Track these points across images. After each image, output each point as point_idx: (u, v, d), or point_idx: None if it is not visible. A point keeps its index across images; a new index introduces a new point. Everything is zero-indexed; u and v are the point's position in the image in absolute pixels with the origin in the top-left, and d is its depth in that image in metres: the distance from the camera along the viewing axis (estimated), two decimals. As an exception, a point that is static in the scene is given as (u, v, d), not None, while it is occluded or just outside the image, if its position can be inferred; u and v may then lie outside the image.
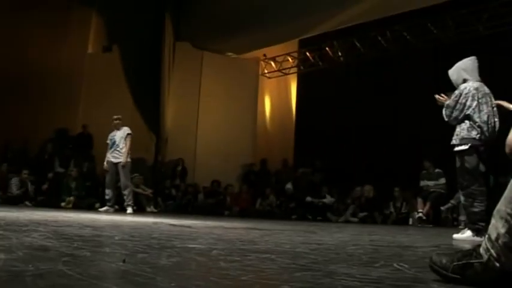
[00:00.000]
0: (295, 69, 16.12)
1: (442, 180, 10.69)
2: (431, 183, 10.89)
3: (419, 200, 10.92)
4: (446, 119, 5.52)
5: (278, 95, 16.81)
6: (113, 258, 2.23)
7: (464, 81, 5.47)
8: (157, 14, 14.84)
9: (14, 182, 11.89)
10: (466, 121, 5.34)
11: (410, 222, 11.18)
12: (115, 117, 10.40)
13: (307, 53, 15.34)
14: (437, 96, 5.70)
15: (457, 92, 5.44)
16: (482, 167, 5.39)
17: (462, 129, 5.36)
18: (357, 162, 13.62)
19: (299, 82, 16.47)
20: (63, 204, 11.67)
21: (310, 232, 5.84)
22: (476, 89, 5.34)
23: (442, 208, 10.77)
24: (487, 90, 5.42)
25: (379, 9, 12.21)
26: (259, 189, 13.95)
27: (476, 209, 5.19)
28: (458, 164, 5.37)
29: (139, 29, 14.55)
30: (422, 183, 11.07)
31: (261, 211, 13.09)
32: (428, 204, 10.72)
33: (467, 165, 5.25)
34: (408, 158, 12.51)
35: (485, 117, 5.27)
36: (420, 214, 10.69)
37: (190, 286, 1.64)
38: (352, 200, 12.47)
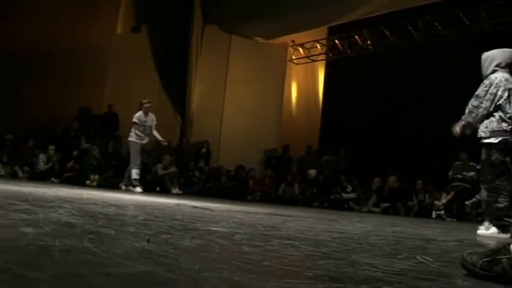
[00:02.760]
0: (323, 57, 16.01)
1: (471, 173, 10.52)
2: (458, 175, 10.74)
3: (443, 194, 10.81)
4: (471, 111, 5.20)
5: (305, 82, 16.74)
6: (137, 237, 2.25)
7: (494, 71, 5.24)
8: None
9: (41, 157, 12.07)
10: (495, 113, 5.09)
11: (434, 216, 11.08)
12: (146, 101, 10.53)
13: (336, 41, 15.22)
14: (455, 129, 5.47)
15: (486, 81, 5.20)
16: (510, 164, 5.14)
17: (491, 121, 5.11)
18: (381, 153, 13.51)
19: (327, 69, 16.35)
20: (88, 182, 11.80)
21: (332, 220, 5.83)
22: (507, 79, 5.13)
23: (466, 203, 10.64)
24: (511, 77, 5.20)
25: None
26: (282, 175, 13.95)
27: (501, 205, 4.99)
28: (484, 156, 5.17)
29: (168, 10, 14.55)
30: (451, 174, 10.88)
31: (283, 197, 13.10)
32: (451, 194, 10.60)
33: (494, 159, 5.05)
34: (433, 150, 12.38)
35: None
36: (440, 212, 10.60)
37: (213, 269, 1.65)
38: (374, 190, 12.40)
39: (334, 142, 14.64)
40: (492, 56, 5.29)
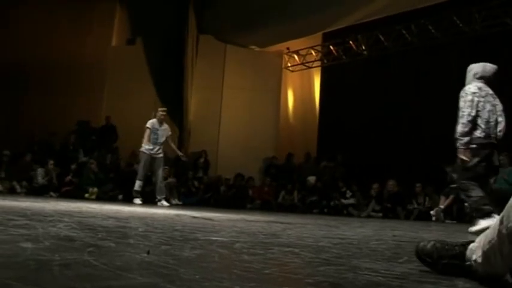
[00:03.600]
0: (318, 63, 16.05)
1: None
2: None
3: (442, 198, 10.81)
4: (465, 126, 5.43)
5: (301, 89, 16.77)
6: (137, 249, 2.25)
7: (471, 82, 5.64)
8: (181, 7, 14.86)
9: (40, 172, 12.07)
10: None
11: (434, 219, 11.08)
12: (162, 109, 10.34)
13: (331, 47, 15.26)
14: None
15: (462, 93, 5.56)
16: (481, 168, 5.45)
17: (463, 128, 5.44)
18: (379, 157, 13.51)
19: (322, 76, 16.38)
20: (86, 195, 11.79)
21: (332, 226, 5.82)
22: (480, 88, 5.51)
23: (466, 204, 10.62)
24: (490, 91, 5.58)
25: (404, 2, 12.11)
26: (282, 183, 13.94)
27: (474, 198, 5.32)
28: (459, 160, 5.49)
29: (163, 22, 14.60)
30: (450, 177, 10.86)
31: (282, 204, 13.09)
32: (450, 198, 10.62)
33: (467, 163, 5.39)
34: (431, 153, 12.39)
35: (486, 116, 5.43)
36: (433, 212, 10.66)
37: (214, 278, 1.64)
38: (373, 195, 12.39)
39: (332, 148, 14.65)
40: (474, 70, 5.74)
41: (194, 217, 5.87)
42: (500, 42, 11.49)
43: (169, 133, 10.27)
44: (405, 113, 13.58)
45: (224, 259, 2.24)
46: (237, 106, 15.29)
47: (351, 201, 12.63)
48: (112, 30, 15.34)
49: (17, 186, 11.81)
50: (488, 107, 5.49)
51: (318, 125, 16.10)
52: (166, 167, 12.46)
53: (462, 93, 5.56)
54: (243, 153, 14.60)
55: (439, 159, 11.51)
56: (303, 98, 16.68)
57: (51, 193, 11.68)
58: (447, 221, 10.29)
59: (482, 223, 5.14)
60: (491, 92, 5.60)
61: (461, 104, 5.51)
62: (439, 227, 7.59)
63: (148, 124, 10.07)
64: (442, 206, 10.69)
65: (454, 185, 10.70)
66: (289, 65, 16.37)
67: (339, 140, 14.68)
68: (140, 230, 3.50)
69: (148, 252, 2.09)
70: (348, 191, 12.82)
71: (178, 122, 14.52)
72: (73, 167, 12.68)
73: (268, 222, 5.85)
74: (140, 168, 10.10)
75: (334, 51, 15.23)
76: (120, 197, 12.10)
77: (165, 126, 10.25)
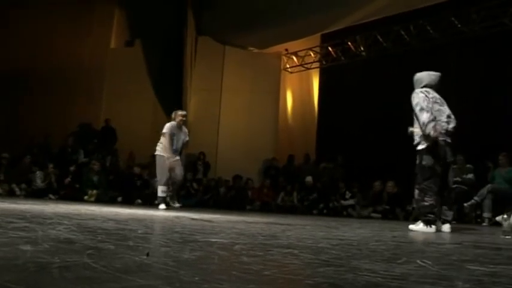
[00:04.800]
0: (317, 64, 16.05)
1: (470, 176, 10.52)
2: (457, 178, 10.70)
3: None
4: (428, 127, 5.72)
5: (300, 90, 16.76)
6: (137, 251, 2.25)
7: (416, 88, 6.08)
8: (180, 8, 14.88)
9: (39, 174, 12.07)
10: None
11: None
12: (183, 113, 9.53)
13: (329, 48, 15.26)
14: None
15: (412, 98, 5.98)
16: (438, 168, 5.77)
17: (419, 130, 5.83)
18: (378, 158, 13.51)
19: (321, 77, 16.36)
20: (86, 197, 11.79)
21: (332, 227, 5.82)
22: (427, 92, 5.95)
23: (465, 205, 10.62)
24: (437, 95, 6.02)
25: (402, 3, 12.12)
26: (281, 184, 13.94)
27: (426, 203, 5.70)
28: (418, 161, 5.83)
29: (162, 23, 14.62)
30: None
31: (282, 206, 13.09)
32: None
33: (425, 163, 5.73)
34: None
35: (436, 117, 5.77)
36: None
37: (213, 280, 1.65)
38: (372, 195, 12.38)
39: (332, 149, 14.63)
40: (420, 78, 6.20)
41: (193, 219, 5.87)
42: (499, 43, 11.51)
43: (187, 139, 9.47)
44: (404, 114, 13.56)
45: (224, 261, 2.24)
46: (236, 108, 15.30)
47: (351, 202, 12.63)
48: (111, 32, 15.34)
49: (16, 189, 11.81)
50: (436, 107, 5.88)
51: (317, 126, 16.08)
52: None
53: (413, 97, 5.95)
54: (242, 155, 14.60)
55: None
56: (302, 99, 16.67)
57: (50, 195, 11.67)
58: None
59: (422, 228, 5.67)
60: (438, 96, 6.01)
61: (416, 107, 5.89)
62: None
63: (167, 129, 9.20)
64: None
65: (454, 186, 10.73)
66: (287, 66, 16.37)
67: (338, 141, 14.66)
68: (139, 232, 3.51)
69: (147, 254, 2.09)
70: (347, 192, 12.82)
71: (178, 124, 14.52)
72: (72, 168, 12.67)
73: (267, 223, 5.85)
74: (161, 174, 9.26)
75: (332, 52, 15.24)
76: (119, 199, 12.12)
77: (185, 130, 9.46)
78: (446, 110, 5.96)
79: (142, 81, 14.40)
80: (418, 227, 5.76)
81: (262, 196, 13.58)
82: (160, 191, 9.26)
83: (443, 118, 5.86)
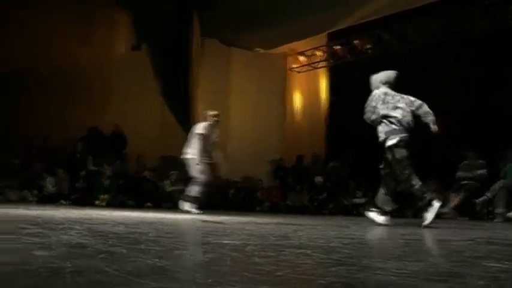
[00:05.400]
0: (324, 63, 16.03)
1: (481, 171, 10.45)
2: (468, 174, 10.64)
3: (452, 195, 10.72)
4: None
5: (307, 90, 16.74)
6: (149, 255, 2.25)
7: (377, 88, 6.47)
8: (185, 11, 14.88)
9: (49, 180, 12.11)
10: (384, 119, 6.22)
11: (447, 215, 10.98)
12: (216, 112, 9.13)
13: (336, 47, 15.24)
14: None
15: (370, 96, 6.49)
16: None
17: (383, 127, 6.22)
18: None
19: (328, 76, 16.33)
20: (97, 202, 11.82)
21: (343, 227, 5.81)
22: (385, 93, 6.31)
23: (476, 201, 10.56)
24: (397, 94, 6.37)
25: (403, 1, 12.11)
26: (291, 185, 13.91)
27: (416, 186, 5.88)
28: (390, 157, 6.10)
29: (167, 27, 14.60)
30: (460, 174, 10.79)
31: (291, 206, 13.08)
32: (460, 196, 10.53)
33: (398, 156, 5.98)
34: (439, 150, 12.36)
35: (398, 114, 6.15)
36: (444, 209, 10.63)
37: (226, 282, 1.64)
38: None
39: (341, 148, 14.59)
40: (378, 77, 6.55)
41: (204, 221, 5.87)
42: (501, 41, 11.43)
43: (217, 139, 9.08)
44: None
45: (236, 262, 2.24)
46: (243, 109, 15.29)
47: (362, 200, 12.59)
48: (117, 36, 15.32)
49: (29, 195, 11.85)
50: (400, 105, 6.22)
51: (326, 125, 16.03)
52: (175, 172, 12.45)
53: (370, 97, 6.41)
54: (250, 156, 14.59)
55: (447, 157, 11.50)
56: (310, 98, 16.64)
57: (62, 201, 11.72)
58: (458, 218, 10.20)
59: (434, 210, 5.77)
60: (397, 94, 6.34)
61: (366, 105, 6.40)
62: (449, 225, 7.53)
63: (201, 129, 8.78)
64: (452, 204, 10.57)
65: (465, 182, 10.67)
66: (294, 66, 16.36)
67: (346, 140, 14.62)
68: (151, 235, 3.51)
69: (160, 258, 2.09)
70: (358, 192, 12.79)
71: (186, 127, 14.47)
72: (83, 173, 12.69)
73: (278, 224, 5.85)
74: (197, 173, 8.58)
75: (339, 51, 15.21)
76: (130, 202, 12.14)
77: (218, 131, 9.14)
78: (405, 108, 6.28)
79: (149, 85, 14.38)
80: (431, 213, 5.77)
81: (271, 197, 13.57)
82: (194, 191, 8.55)
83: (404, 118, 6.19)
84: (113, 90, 14.63)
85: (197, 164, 8.57)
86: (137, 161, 13.90)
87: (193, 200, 8.52)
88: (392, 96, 6.26)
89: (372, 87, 6.50)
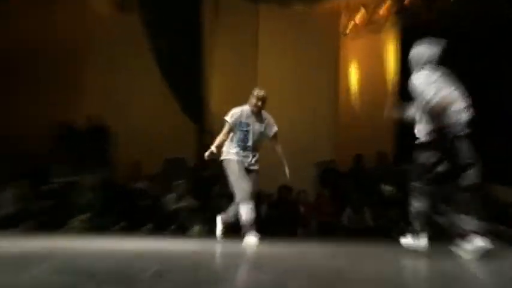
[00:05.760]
0: (391, 24, 15.92)
1: None
2: None
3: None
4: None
5: (368, 61, 16.60)
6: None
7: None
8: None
9: (6, 196, 12.17)
10: None
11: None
12: (261, 94, 8.79)
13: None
14: None
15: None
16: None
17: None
18: (489, 154, 13.37)
19: (398, 41, 16.21)
20: (73, 224, 11.89)
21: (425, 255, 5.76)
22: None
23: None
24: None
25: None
26: (347, 196, 13.84)
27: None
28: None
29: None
30: None
31: (348, 227, 13.04)
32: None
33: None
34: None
35: None
36: None
37: None
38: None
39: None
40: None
41: (222, 251, 5.89)
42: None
43: (275, 129, 8.85)
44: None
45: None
46: (277, 91, 15.06)
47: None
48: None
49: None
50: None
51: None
52: (181, 182, 12.44)
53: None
54: (288, 157, 14.50)
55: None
56: (372, 74, 16.49)
57: (21, 224, 11.79)
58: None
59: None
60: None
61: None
62: None
63: (229, 116, 8.46)
64: None
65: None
66: (350, 29, 16.27)
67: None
68: (148, 274, 3.52)
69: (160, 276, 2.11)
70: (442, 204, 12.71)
71: (197, 117, 14.41)
72: (52, 186, 12.74)
73: (331, 255, 5.84)
74: (236, 183, 8.07)
75: (412, 5, 15.09)
76: (121, 224, 12.16)
77: (264, 117, 8.76)
78: None
79: (142, 59, 14.16)
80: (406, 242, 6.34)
81: (319, 214, 13.54)
82: (245, 212, 8.02)
83: None
84: (93, 71, 14.60)
85: (235, 166, 8.20)
86: (133, 170, 13.76)
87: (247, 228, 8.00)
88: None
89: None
